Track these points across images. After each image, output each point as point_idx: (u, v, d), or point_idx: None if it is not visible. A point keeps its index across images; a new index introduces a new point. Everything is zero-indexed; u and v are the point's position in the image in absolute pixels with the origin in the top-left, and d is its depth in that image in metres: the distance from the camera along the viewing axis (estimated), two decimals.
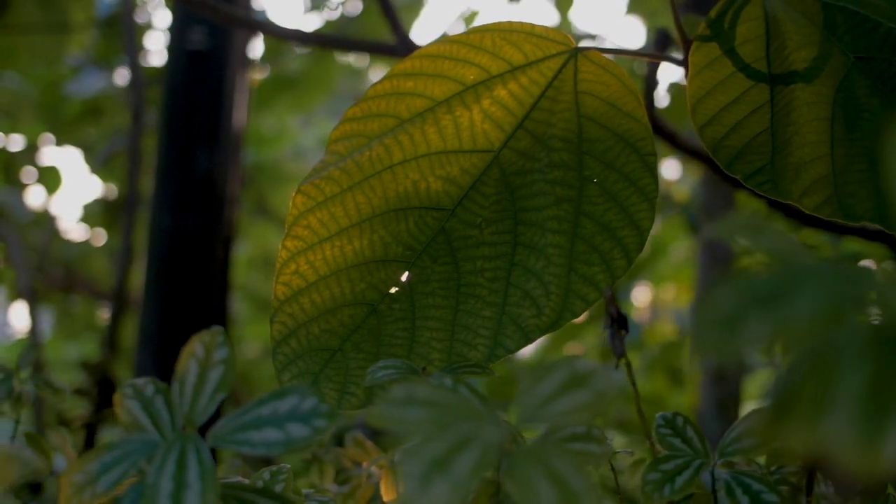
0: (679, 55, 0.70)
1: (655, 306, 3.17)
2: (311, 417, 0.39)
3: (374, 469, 0.70)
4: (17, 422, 0.75)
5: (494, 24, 0.60)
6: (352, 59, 2.71)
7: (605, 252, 0.54)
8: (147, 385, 0.43)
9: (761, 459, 0.58)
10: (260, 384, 2.45)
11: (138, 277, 2.10)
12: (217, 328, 0.42)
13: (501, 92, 0.58)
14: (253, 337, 2.62)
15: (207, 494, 0.36)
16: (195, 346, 0.41)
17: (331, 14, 2.50)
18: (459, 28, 2.77)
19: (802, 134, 0.54)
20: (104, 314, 2.52)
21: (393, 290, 0.55)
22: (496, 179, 0.57)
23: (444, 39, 0.59)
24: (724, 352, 0.21)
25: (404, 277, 0.56)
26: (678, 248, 2.66)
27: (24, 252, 1.92)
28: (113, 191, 2.36)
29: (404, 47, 0.90)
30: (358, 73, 2.84)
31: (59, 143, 2.26)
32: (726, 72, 0.57)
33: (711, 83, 0.57)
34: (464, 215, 0.56)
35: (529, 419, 0.33)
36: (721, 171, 1.07)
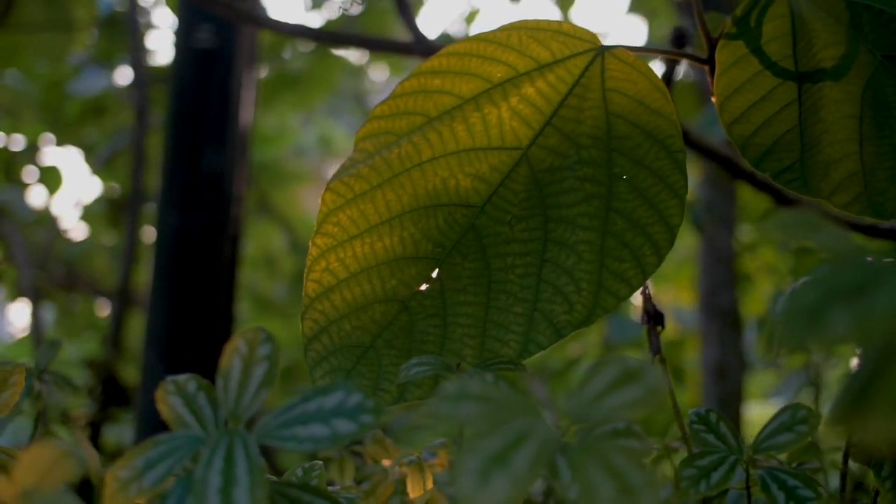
0: (691, 52, 0.71)
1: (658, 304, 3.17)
2: (357, 413, 0.39)
3: (391, 466, 0.70)
4: (37, 420, 0.76)
5: (521, 21, 0.60)
6: (352, 57, 2.71)
7: (635, 248, 0.54)
8: (189, 381, 0.43)
9: (781, 456, 0.58)
10: None
11: (141, 276, 2.10)
12: (260, 326, 0.42)
13: (529, 90, 0.58)
14: None
15: (256, 490, 0.37)
16: (238, 343, 0.42)
17: (332, 13, 2.50)
18: (460, 26, 2.77)
19: (831, 132, 0.54)
20: (105, 313, 2.52)
21: (423, 286, 0.56)
22: (525, 176, 0.57)
23: (471, 37, 0.59)
24: (808, 343, 0.21)
25: (435, 274, 0.56)
26: (678, 247, 2.66)
27: (27, 251, 1.92)
28: (115, 190, 2.36)
29: (420, 45, 0.91)
30: (358, 72, 2.83)
31: (61, 142, 2.26)
32: (753, 70, 0.57)
33: (739, 81, 0.57)
34: (493, 212, 0.56)
35: (581, 416, 0.33)
36: (732, 169, 1.07)
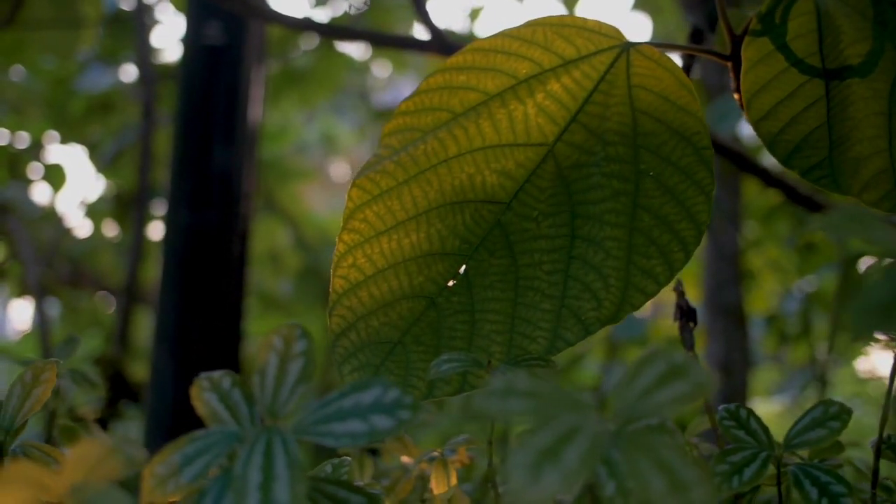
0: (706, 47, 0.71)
1: (659, 302, 3.18)
2: (395, 409, 0.39)
3: (412, 463, 0.70)
4: (54, 415, 0.75)
5: (546, 18, 0.60)
6: (355, 54, 2.70)
7: (663, 245, 0.54)
8: (223, 377, 0.43)
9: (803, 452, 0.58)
10: None
11: (147, 272, 2.10)
12: (295, 322, 0.42)
13: (555, 86, 0.58)
14: (258, 332, 2.62)
15: (296, 485, 0.37)
16: (274, 339, 0.41)
17: (335, 10, 2.49)
18: (464, 24, 2.77)
19: (860, 129, 0.54)
20: (110, 309, 2.52)
21: (451, 283, 0.56)
22: (551, 173, 0.57)
23: (496, 34, 0.59)
24: (881, 334, 0.21)
25: (462, 271, 0.56)
26: None
27: (33, 247, 1.92)
28: (122, 186, 2.36)
29: (437, 42, 0.91)
30: (361, 69, 2.83)
31: (67, 140, 2.26)
32: (780, 67, 0.57)
33: (765, 78, 0.57)
34: (520, 209, 0.56)
35: (629, 411, 0.33)
36: (743, 165, 1.07)
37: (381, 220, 0.56)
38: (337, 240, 0.56)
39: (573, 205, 0.56)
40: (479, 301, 0.55)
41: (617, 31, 0.59)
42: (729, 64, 0.64)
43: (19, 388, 0.50)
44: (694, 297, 2.71)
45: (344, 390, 0.40)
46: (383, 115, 2.43)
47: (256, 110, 1.49)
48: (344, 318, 0.55)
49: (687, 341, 0.48)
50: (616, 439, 0.31)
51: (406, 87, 3.84)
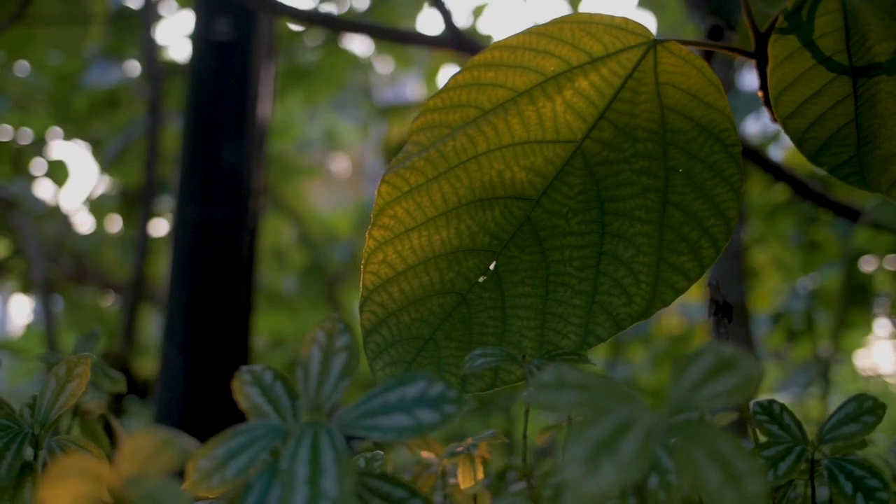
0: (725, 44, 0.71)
1: None
2: (439, 403, 0.39)
3: (433, 458, 0.70)
4: (77, 410, 0.76)
5: (573, 15, 0.60)
6: (359, 50, 2.70)
7: (692, 241, 0.55)
8: (265, 372, 0.43)
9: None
10: None
11: (151, 269, 2.10)
12: (336, 316, 0.42)
13: (583, 83, 0.58)
14: (262, 329, 2.62)
15: (344, 479, 0.37)
16: (317, 333, 0.42)
17: (341, 6, 2.49)
18: (466, 21, 2.77)
19: (889, 126, 0.54)
20: (113, 305, 2.52)
21: (481, 279, 0.56)
22: (580, 169, 0.57)
23: (524, 31, 0.60)
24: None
25: (492, 267, 0.56)
26: None
27: (39, 243, 1.92)
28: (128, 183, 2.35)
29: (454, 38, 0.91)
30: (365, 66, 2.83)
31: (72, 136, 2.25)
32: (807, 64, 0.58)
33: (792, 75, 0.57)
34: (549, 205, 0.57)
35: (681, 404, 0.33)
36: (758, 162, 1.07)
37: (411, 217, 0.56)
38: (367, 236, 0.56)
39: (602, 201, 0.56)
40: (509, 297, 0.55)
41: (644, 28, 0.60)
42: (754, 61, 0.64)
43: (53, 382, 0.50)
44: (697, 294, 2.72)
45: (387, 385, 0.40)
46: (387, 112, 2.43)
47: (265, 106, 1.49)
48: (375, 314, 0.55)
49: (722, 337, 0.49)
50: (671, 431, 0.32)
51: (409, 84, 3.83)
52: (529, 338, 0.54)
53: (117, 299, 2.42)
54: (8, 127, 2.26)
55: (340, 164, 3.61)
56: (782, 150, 2.01)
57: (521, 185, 0.57)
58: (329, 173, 3.46)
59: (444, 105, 0.59)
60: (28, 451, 0.49)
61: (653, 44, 0.59)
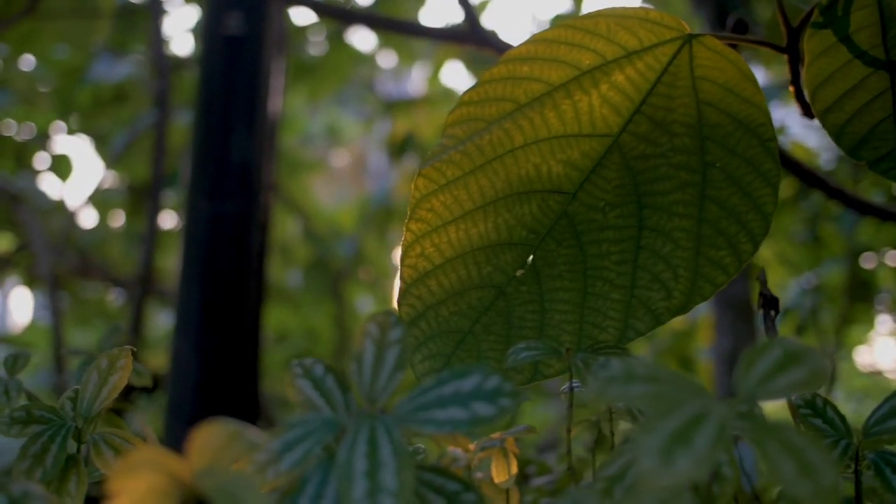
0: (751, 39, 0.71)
1: None
2: (496, 396, 0.39)
3: (459, 452, 0.70)
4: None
5: (608, 9, 0.60)
6: (362, 46, 2.70)
7: (731, 236, 0.55)
8: (315, 365, 0.43)
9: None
10: (271, 371, 2.44)
11: (159, 262, 2.09)
12: (390, 309, 0.42)
13: (619, 77, 0.58)
14: (267, 324, 2.62)
15: (403, 472, 0.37)
16: (370, 327, 0.42)
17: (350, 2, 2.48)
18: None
19: None
20: (118, 300, 2.51)
21: (519, 272, 0.56)
22: (617, 163, 0.57)
23: (559, 24, 0.60)
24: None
25: (530, 260, 0.56)
26: None
27: (45, 238, 1.91)
28: (133, 177, 2.35)
29: (476, 34, 0.91)
30: (368, 60, 2.82)
31: (77, 130, 2.25)
32: (843, 59, 0.58)
33: (829, 70, 0.58)
34: (586, 199, 0.57)
35: (749, 397, 0.33)
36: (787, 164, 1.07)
37: (449, 210, 0.56)
38: (404, 229, 0.56)
39: (640, 195, 0.56)
40: (547, 291, 0.55)
41: (679, 22, 0.60)
42: (786, 56, 0.64)
43: (95, 375, 0.50)
44: None
45: (442, 377, 0.40)
46: (392, 107, 2.43)
47: (276, 101, 1.49)
48: (413, 307, 0.55)
49: (770, 330, 0.49)
50: (745, 423, 0.32)
51: (412, 79, 3.83)
52: (569, 332, 0.54)
53: (121, 294, 2.41)
54: (11, 121, 2.25)
55: (342, 159, 3.60)
56: (789, 143, 2.02)
57: (557, 179, 0.57)
58: (330, 168, 3.45)
59: (480, 98, 0.59)
60: (71, 445, 0.49)
61: (688, 38, 0.59)
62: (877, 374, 3.23)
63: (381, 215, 2.40)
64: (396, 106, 2.38)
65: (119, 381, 0.50)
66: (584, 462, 0.87)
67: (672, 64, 0.59)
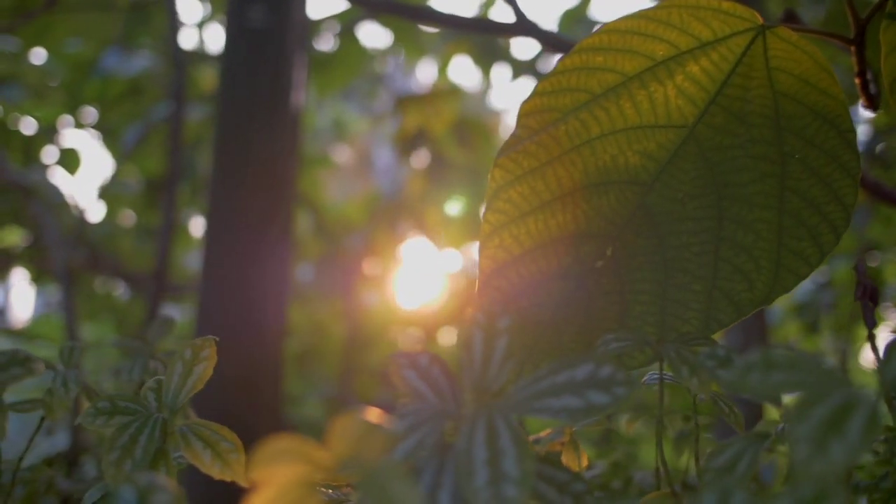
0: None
1: None
2: (610, 385, 0.39)
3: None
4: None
5: (681, 0, 0.60)
6: (370, 42, 2.69)
7: (812, 227, 0.54)
8: (419, 355, 0.43)
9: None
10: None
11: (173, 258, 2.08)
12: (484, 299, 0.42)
13: (693, 68, 0.58)
14: None
15: (525, 461, 0.37)
16: (477, 315, 0.41)
17: None
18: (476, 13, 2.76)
19: None
20: (126, 296, 2.50)
21: (598, 263, 0.56)
22: (694, 154, 0.57)
23: (632, 15, 0.59)
24: None
25: (609, 252, 0.56)
26: None
27: (59, 232, 1.90)
28: (146, 171, 2.34)
29: (522, 25, 0.90)
30: (379, 56, 2.82)
31: (88, 124, 2.24)
32: None
33: None
34: (663, 190, 0.57)
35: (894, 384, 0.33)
36: None
37: (526, 201, 0.56)
38: (482, 220, 0.56)
39: (718, 186, 0.56)
40: (628, 282, 0.55)
41: (752, 13, 0.59)
42: (853, 47, 0.64)
43: (180, 365, 0.50)
44: None
45: (554, 367, 0.40)
46: (401, 102, 2.42)
47: (298, 95, 1.48)
48: (493, 298, 0.55)
49: (869, 320, 0.49)
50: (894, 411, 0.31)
51: (418, 74, 3.82)
52: (651, 323, 0.54)
53: (130, 289, 2.40)
54: (22, 116, 2.24)
55: (348, 154, 3.60)
56: None
57: (634, 170, 0.57)
58: (337, 163, 3.44)
59: (554, 89, 0.58)
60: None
61: (761, 29, 0.59)
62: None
63: (391, 210, 2.39)
64: (407, 101, 2.37)
65: (204, 371, 0.49)
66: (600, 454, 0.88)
67: (746, 55, 0.58)
